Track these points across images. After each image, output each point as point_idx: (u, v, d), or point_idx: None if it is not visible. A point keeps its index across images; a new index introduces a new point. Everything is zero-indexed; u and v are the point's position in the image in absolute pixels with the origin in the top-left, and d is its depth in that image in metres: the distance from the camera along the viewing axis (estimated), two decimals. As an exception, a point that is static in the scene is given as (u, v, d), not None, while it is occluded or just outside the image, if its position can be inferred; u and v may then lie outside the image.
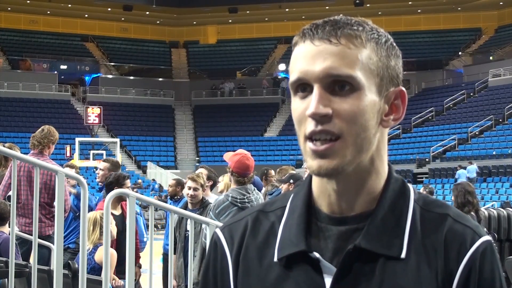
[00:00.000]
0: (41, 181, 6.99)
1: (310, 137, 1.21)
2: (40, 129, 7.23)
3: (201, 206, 6.38)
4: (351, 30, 1.22)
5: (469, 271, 1.21)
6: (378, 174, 1.26)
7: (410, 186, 1.30)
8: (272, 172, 8.90)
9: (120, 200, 6.39)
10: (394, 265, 1.21)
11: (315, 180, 1.29)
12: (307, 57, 1.21)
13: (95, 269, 6.05)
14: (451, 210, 1.27)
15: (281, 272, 1.25)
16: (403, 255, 1.21)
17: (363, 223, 1.24)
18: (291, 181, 6.99)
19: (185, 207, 6.44)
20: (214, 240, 1.35)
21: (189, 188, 6.39)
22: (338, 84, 1.20)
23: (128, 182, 6.82)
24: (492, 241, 1.25)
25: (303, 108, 1.22)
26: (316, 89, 1.20)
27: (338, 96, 1.20)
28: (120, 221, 6.40)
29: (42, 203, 6.95)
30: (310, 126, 1.20)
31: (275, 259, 1.26)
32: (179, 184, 9.26)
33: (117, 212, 6.67)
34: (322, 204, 1.27)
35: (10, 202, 6.38)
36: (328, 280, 1.21)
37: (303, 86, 1.22)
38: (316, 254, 1.22)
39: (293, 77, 1.23)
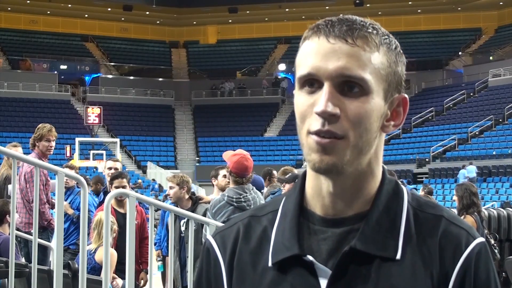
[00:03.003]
0: (25, 178, 7.01)
1: (315, 134, 1.20)
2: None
3: (192, 205, 6.39)
4: (367, 32, 1.22)
5: (464, 273, 1.22)
6: (373, 176, 1.27)
7: (403, 187, 1.31)
8: (275, 172, 8.89)
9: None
10: (389, 267, 1.21)
11: (310, 182, 1.29)
12: (320, 54, 1.20)
13: (96, 268, 6.06)
14: (445, 212, 1.28)
15: (276, 277, 1.25)
16: (398, 256, 1.22)
17: (357, 225, 1.24)
18: (297, 181, 6.96)
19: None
20: (207, 247, 1.34)
21: (169, 188, 6.47)
22: (348, 85, 1.20)
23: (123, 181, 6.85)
24: (486, 242, 1.26)
25: (309, 104, 1.21)
26: (326, 87, 1.19)
27: (347, 97, 1.20)
28: (124, 219, 6.36)
29: (29, 199, 6.95)
30: (316, 124, 1.19)
31: (269, 264, 1.26)
32: None
33: (123, 210, 6.66)
34: (316, 206, 1.27)
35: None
36: (323, 283, 1.21)
37: (312, 82, 1.21)
38: (310, 257, 1.22)
39: (303, 71, 1.21)
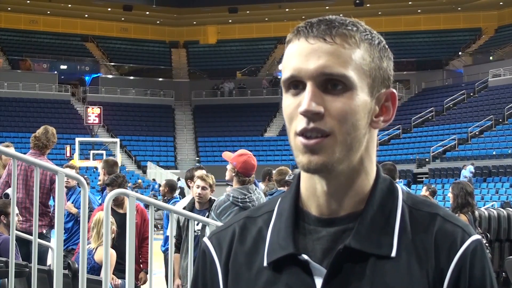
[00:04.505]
0: (51, 181, 6.99)
1: (301, 134, 1.21)
2: (43, 130, 7.12)
3: (209, 206, 6.36)
4: (345, 29, 1.22)
5: (459, 270, 1.22)
6: (367, 174, 1.27)
7: (398, 186, 1.31)
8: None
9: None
10: (384, 264, 1.21)
11: (304, 182, 1.29)
12: (301, 55, 1.21)
13: (95, 268, 6.06)
14: (440, 210, 1.28)
15: (271, 276, 1.25)
16: (393, 254, 1.22)
17: (352, 224, 1.24)
18: (292, 182, 6.94)
19: (191, 207, 6.42)
20: (203, 248, 1.35)
21: (198, 187, 6.35)
22: (331, 83, 1.20)
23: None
24: (482, 240, 1.26)
25: (295, 105, 1.22)
26: (309, 86, 1.20)
27: (330, 94, 1.20)
28: (122, 219, 6.37)
29: (44, 202, 6.95)
30: (301, 123, 1.20)
31: (265, 263, 1.26)
32: (167, 185, 9.35)
33: (122, 211, 6.69)
34: (311, 206, 1.28)
35: (5, 199, 6.41)
36: (318, 282, 1.21)
37: (296, 84, 1.22)
38: (305, 256, 1.22)
39: (286, 74, 1.23)
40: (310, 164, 1.21)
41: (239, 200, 5.41)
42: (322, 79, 1.20)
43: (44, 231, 6.97)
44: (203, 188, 6.31)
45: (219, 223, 4.98)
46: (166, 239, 8.48)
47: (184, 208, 6.56)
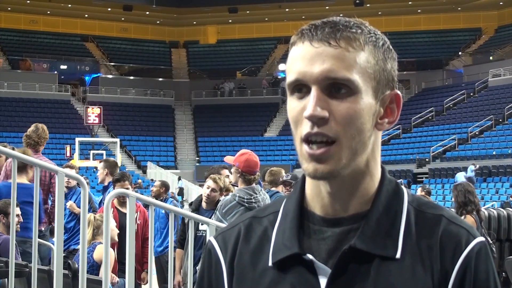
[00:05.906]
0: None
1: (306, 139, 1.21)
2: (33, 128, 7.15)
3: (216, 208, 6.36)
4: (350, 32, 1.22)
5: (464, 272, 1.22)
6: (372, 176, 1.27)
7: (404, 187, 1.31)
8: None
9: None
10: (389, 266, 1.21)
11: (309, 183, 1.29)
12: (306, 59, 1.21)
13: (94, 267, 6.06)
14: (445, 211, 1.28)
15: (276, 276, 1.25)
16: (398, 255, 1.22)
17: (357, 224, 1.24)
18: (297, 182, 6.93)
19: (198, 204, 6.43)
20: (208, 248, 1.36)
21: (208, 187, 6.34)
22: (335, 87, 1.20)
23: (126, 183, 6.87)
24: (486, 242, 1.26)
25: (299, 109, 1.22)
26: (314, 91, 1.20)
27: (335, 98, 1.20)
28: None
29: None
30: (306, 128, 1.21)
31: (270, 263, 1.27)
32: (163, 186, 9.35)
33: (126, 210, 6.69)
34: (315, 206, 1.28)
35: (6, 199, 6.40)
36: (323, 281, 1.22)
37: (300, 87, 1.22)
38: (310, 256, 1.23)
39: (290, 77, 1.23)
40: (316, 173, 1.21)
41: (245, 200, 5.41)
42: (326, 83, 1.20)
43: (43, 228, 6.97)
44: (213, 190, 6.30)
45: (221, 224, 4.99)
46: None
47: (190, 205, 6.57)
